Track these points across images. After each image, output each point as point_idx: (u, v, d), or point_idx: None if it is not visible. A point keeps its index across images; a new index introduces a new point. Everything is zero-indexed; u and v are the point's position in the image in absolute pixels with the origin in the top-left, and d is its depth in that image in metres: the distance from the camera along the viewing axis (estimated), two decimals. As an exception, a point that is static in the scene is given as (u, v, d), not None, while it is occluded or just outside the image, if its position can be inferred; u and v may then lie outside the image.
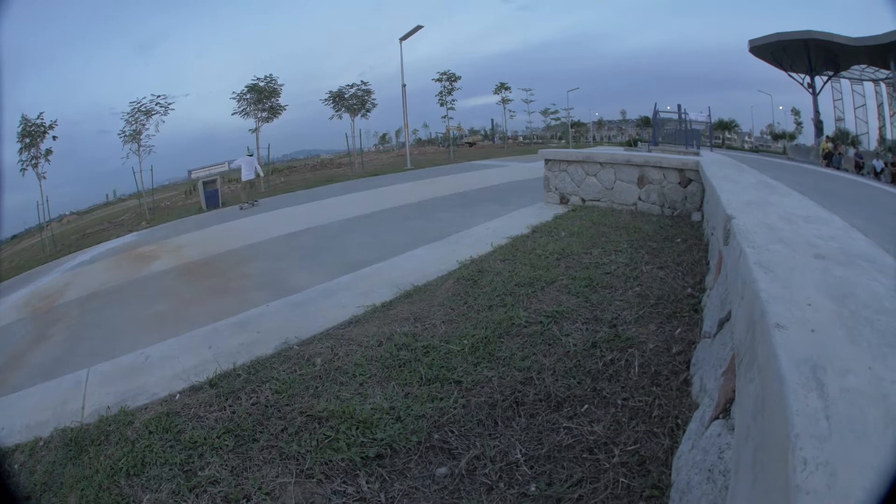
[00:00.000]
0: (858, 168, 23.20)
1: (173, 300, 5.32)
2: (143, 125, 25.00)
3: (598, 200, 7.22)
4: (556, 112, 54.25)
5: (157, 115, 25.43)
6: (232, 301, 4.76)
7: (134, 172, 23.36)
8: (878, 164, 22.64)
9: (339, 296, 3.82)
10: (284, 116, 30.23)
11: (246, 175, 15.20)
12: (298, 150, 41.45)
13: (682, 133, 21.07)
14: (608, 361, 2.38)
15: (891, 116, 28.96)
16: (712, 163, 6.41)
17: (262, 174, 16.86)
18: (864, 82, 31.17)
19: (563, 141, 52.33)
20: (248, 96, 28.71)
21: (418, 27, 27.22)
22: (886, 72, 27.06)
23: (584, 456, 1.78)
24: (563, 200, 7.62)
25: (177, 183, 29.86)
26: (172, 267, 7.38)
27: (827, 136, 26.11)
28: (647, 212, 6.51)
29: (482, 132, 55.38)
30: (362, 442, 1.89)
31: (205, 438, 2.13)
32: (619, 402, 2.09)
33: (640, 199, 6.71)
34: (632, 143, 46.63)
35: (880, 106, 30.46)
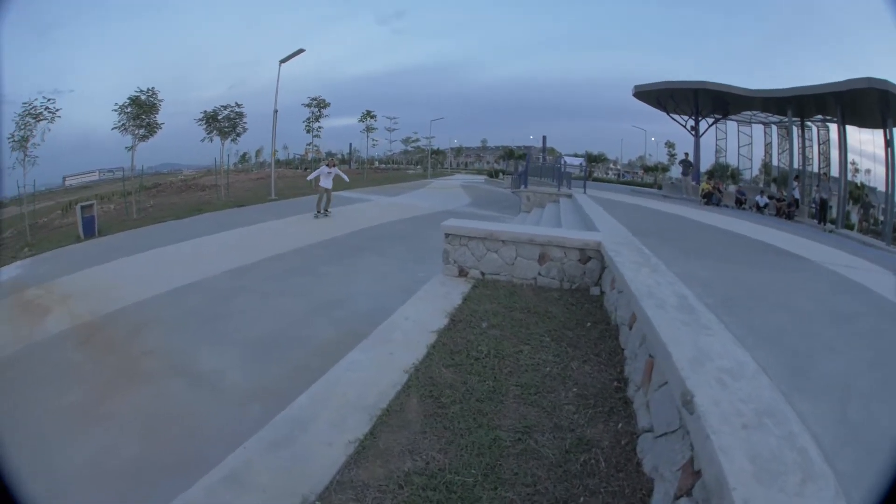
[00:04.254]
0: (739, 203, 24.81)
1: (92, 392, 5.61)
2: (31, 132, 23.70)
3: (498, 274, 8.02)
4: (416, 140, 57.21)
5: (45, 122, 24.32)
6: (154, 394, 5.22)
7: (18, 187, 23.56)
8: (762, 199, 24.07)
9: (312, 430, 3.78)
10: (154, 128, 29.62)
11: (324, 183, 18.38)
12: (162, 164, 40.29)
13: (555, 171, 24.15)
14: (583, 462, 3.47)
15: (779, 154, 31.20)
16: (618, 246, 7.28)
17: (346, 178, 20.50)
18: (753, 125, 32.95)
19: (419, 167, 55.31)
20: (128, 110, 27.78)
21: (300, 50, 26.85)
22: (781, 117, 28.49)
23: (599, 524, 2.85)
24: (462, 273, 8.21)
25: (52, 190, 28.38)
26: (68, 328, 7.75)
27: (707, 177, 28.95)
28: (546, 286, 7.72)
29: (339, 155, 56.13)
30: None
31: None
32: (601, 490, 3.14)
33: (539, 273, 7.89)
34: (492, 175, 50.96)
35: (768, 144, 32.64)
